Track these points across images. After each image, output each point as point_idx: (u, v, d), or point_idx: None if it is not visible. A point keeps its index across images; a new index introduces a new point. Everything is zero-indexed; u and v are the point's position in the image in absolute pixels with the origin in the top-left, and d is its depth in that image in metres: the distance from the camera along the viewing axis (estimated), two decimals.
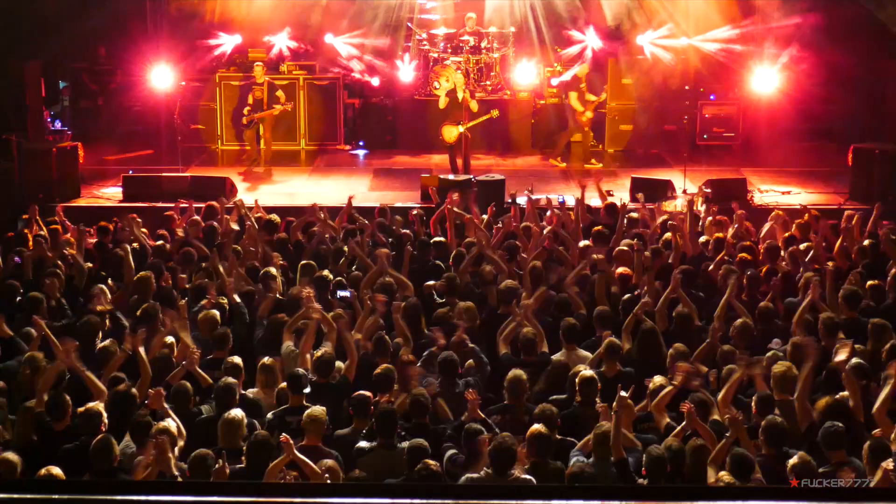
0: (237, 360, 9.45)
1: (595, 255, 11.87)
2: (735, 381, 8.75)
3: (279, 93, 20.56)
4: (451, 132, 18.61)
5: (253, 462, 7.71)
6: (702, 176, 18.67)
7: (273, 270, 11.42)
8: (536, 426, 8.09)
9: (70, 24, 20.61)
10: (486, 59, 22.33)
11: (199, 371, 9.32)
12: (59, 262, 12.11)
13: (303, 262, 11.97)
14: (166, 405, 8.46)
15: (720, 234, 13.17)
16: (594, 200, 15.39)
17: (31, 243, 12.89)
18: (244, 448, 8.03)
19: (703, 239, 13.28)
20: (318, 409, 8.34)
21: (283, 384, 9.20)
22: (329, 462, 7.80)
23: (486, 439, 7.93)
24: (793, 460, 7.53)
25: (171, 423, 8.13)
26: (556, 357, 9.91)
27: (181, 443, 8.18)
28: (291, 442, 7.72)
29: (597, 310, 10.63)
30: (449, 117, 18.59)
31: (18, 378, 9.27)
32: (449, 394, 9.21)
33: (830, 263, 11.79)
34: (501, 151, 21.93)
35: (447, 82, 21.28)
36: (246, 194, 17.21)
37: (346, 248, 12.57)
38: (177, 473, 7.62)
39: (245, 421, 8.25)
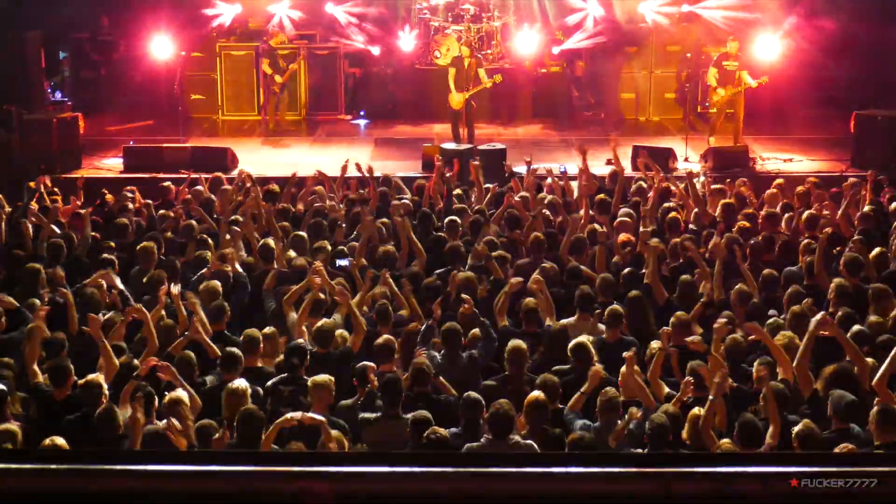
0: (254, 332, 9.41)
1: (594, 225, 11.88)
2: (718, 342, 8.71)
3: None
4: (458, 99, 18.55)
5: (244, 435, 7.70)
6: (703, 144, 18.66)
7: (272, 242, 11.41)
8: (535, 393, 8.11)
9: None
10: (487, 28, 22.24)
11: (207, 341, 9.31)
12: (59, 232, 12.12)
13: (294, 233, 11.96)
14: (179, 377, 8.46)
15: (727, 201, 13.18)
16: (596, 169, 15.34)
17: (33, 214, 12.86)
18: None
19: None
20: (323, 377, 8.34)
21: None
22: (333, 433, 7.79)
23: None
24: (797, 427, 7.51)
25: (184, 394, 8.14)
26: (563, 323, 9.91)
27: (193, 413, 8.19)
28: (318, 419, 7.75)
29: (600, 277, 10.64)
30: (455, 85, 18.49)
31: (22, 350, 9.26)
32: (453, 365, 9.21)
33: (828, 230, 11.77)
34: (504, 121, 21.89)
35: (448, 51, 21.23)
36: (247, 165, 17.17)
37: (343, 218, 12.61)
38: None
39: (249, 391, 8.25)
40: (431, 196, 13.85)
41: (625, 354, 8.52)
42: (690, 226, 12.62)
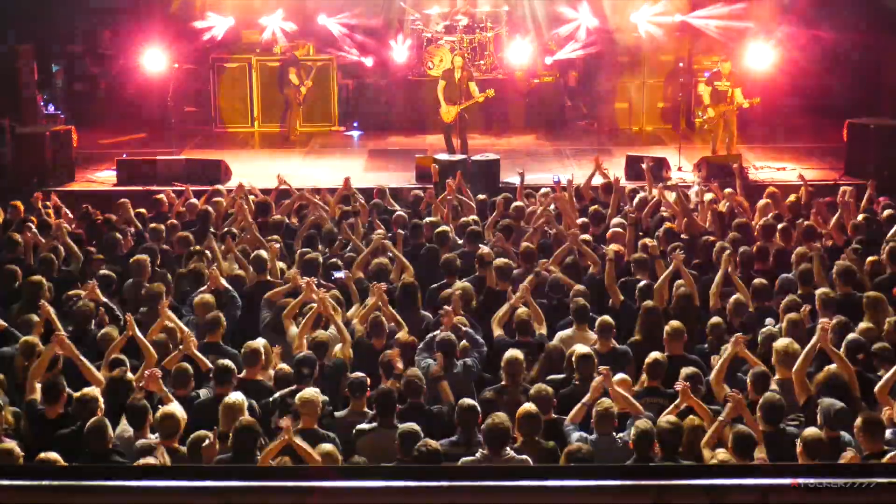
0: (257, 344, 9.36)
1: (585, 237, 11.91)
2: (727, 360, 8.74)
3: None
4: (450, 112, 18.55)
5: (239, 448, 7.67)
6: (696, 153, 18.67)
7: (264, 254, 11.38)
8: (526, 405, 8.08)
9: (63, 7, 20.57)
10: (480, 39, 22.27)
11: (198, 355, 9.28)
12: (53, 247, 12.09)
13: (302, 248, 11.95)
14: (165, 388, 8.44)
15: (721, 210, 13.20)
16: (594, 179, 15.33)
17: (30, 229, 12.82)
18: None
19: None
20: (311, 391, 8.30)
21: (283, 366, 9.17)
22: (327, 447, 7.74)
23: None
24: (805, 433, 7.48)
25: (177, 407, 8.10)
26: (561, 335, 9.89)
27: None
28: (290, 426, 7.67)
29: (574, 289, 10.60)
30: (445, 98, 18.50)
31: (14, 366, 9.22)
32: (448, 374, 9.19)
33: (829, 241, 11.80)
34: (497, 131, 21.90)
35: (441, 62, 21.26)
36: (241, 177, 17.13)
37: (336, 230, 12.61)
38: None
39: (245, 405, 8.21)
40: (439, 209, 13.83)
41: (601, 369, 8.47)
42: (682, 235, 12.61)
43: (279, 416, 8.37)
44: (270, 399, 8.76)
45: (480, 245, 11.91)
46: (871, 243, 12.06)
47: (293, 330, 9.97)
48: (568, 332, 9.98)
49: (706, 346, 9.68)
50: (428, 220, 13.13)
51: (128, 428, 8.23)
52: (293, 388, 8.74)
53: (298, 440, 7.64)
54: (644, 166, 15.42)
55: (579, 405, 8.30)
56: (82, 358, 8.87)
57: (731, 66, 18.57)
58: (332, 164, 19.22)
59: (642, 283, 10.79)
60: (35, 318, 9.77)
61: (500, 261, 11.20)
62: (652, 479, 3.52)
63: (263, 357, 9.28)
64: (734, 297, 10.21)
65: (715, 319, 9.81)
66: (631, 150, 18.52)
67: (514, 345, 9.43)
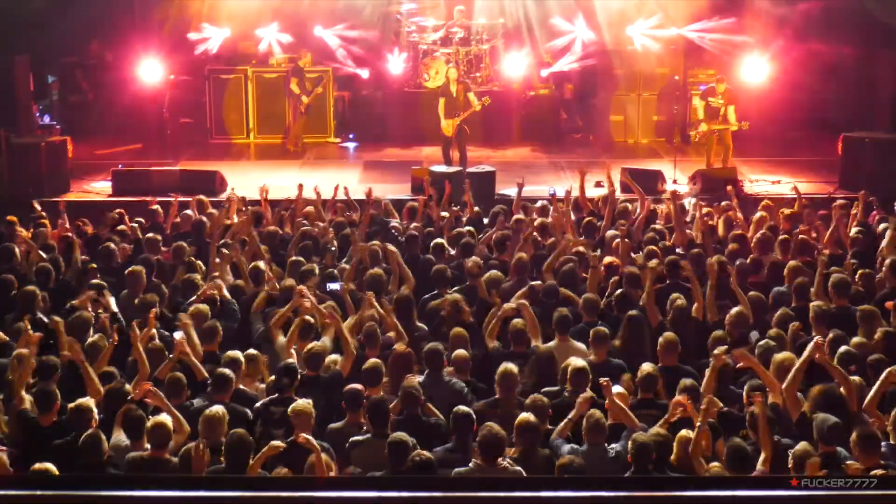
0: (237, 354, 9.36)
1: (581, 248, 11.91)
2: (714, 372, 8.70)
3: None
4: (449, 127, 18.56)
5: (232, 460, 7.65)
6: (692, 166, 18.70)
7: (262, 265, 11.39)
8: (525, 415, 8.07)
9: (59, 19, 20.58)
10: (476, 51, 22.31)
11: (197, 364, 9.27)
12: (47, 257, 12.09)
13: (292, 258, 11.96)
14: (167, 402, 8.41)
15: (713, 223, 13.23)
16: (589, 192, 15.37)
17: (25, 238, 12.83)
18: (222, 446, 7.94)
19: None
20: (304, 402, 8.29)
21: (273, 378, 9.17)
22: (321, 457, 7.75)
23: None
24: (795, 449, 7.48)
25: (167, 418, 8.09)
26: (546, 346, 9.88)
27: (180, 437, 8.15)
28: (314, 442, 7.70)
29: (584, 297, 10.64)
30: (445, 114, 18.50)
31: (7, 376, 9.19)
32: (436, 387, 9.17)
33: (826, 252, 11.83)
34: (493, 143, 21.92)
35: (437, 74, 21.29)
36: (236, 188, 17.13)
37: (331, 241, 12.64)
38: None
39: (227, 417, 8.17)
40: (435, 220, 13.86)
41: (601, 381, 8.47)
42: (677, 249, 12.61)
43: (262, 426, 8.39)
44: (253, 408, 8.77)
45: (472, 256, 11.94)
46: (866, 256, 12.08)
47: (281, 339, 9.97)
48: (551, 343, 9.95)
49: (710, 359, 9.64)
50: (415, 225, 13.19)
51: (123, 439, 8.22)
52: (275, 396, 8.75)
53: (312, 440, 7.65)
54: (620, 174, 15.38)
55: (566, 420, 8.30)
56: (90, 368, 8.85)
57: (726, 85, 18.62)
58: (327, 175, 19.20)
59: (619, 292, 10.82)
60: (26, 327, 9.75)
61: (490, 273, 11.22)
62: (645, 491, 3.53)
63: (246, 367, 9.29)
64: (735, 309, 10.19)
65: (717, 333, 9.77)
66: (626, 163, 18.53)
67: (508, 356, 9.43)
